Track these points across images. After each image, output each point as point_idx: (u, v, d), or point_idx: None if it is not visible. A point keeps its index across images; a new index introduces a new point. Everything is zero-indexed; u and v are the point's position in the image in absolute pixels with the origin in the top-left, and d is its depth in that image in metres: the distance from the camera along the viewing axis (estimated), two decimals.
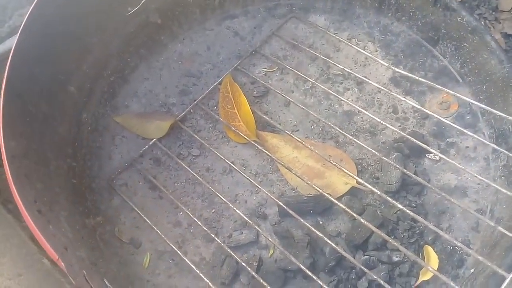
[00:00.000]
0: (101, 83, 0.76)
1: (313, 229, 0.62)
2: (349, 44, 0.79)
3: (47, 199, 0.56)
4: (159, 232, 0.65)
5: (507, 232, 0.58)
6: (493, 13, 0.99)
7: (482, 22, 0.97)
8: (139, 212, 0.67)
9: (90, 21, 0.71)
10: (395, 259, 0.63)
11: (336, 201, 0.64)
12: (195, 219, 0.66)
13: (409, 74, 0.74)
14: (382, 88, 0.73)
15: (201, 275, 0.61)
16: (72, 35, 0.69)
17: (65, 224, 0.57)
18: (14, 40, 0.75)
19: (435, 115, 0.69)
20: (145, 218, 0.67)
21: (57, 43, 0.66)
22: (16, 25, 0.77)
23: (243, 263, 0.62)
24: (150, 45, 0.81)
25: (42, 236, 0.46)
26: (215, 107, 0.77)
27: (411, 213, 0.61)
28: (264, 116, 0.74)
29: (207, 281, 0.60)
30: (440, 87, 0.71)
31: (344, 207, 0.64)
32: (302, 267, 0.60)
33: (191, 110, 0.76)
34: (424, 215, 0.67)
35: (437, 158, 0.71)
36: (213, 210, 0.69)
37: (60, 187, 0.63)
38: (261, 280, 0.59)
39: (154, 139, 0.74)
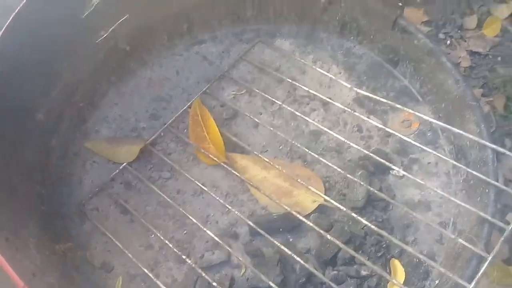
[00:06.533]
0: (70, 109, 0.77)
1: (282, 247, 0.63)
2: (314, 67, 0.82)
3: (14, 226, 0.56)
4: (130, 255, 0.65)
5: (467, 244, 0.60)
6: (459, 31, 1.04)
7: (448, 41, 1.02)
8: (110, 236, 0.68)
9: (59, 48, 0.72)
10: (363, 273, 0.65)
11: (304, 219, 0.66)
12: (167, 242, 0.66)
13: (371, 95, 0.77)
14: (347, 108, 0.76)
15: None
16: (41, 61, 0.70)
17: (33, 251, 0.57)
18: None
19: (397, 134, 0.73)
20: (116, 242, 0.67)
21: (25, 69, 0.67)
22: None
23: (214, 283, 0.62)
24: (120, 71, 0.82)
25: (8, 264, 0.46)
26: (185, 130, 0.78)
27: (376, 229, 0.63)
28: (233, 138, 0.75)
29: None
30: (401, 106, 0.75)
31: (312, 224, 0.65)
32: (272, 285, 0.61)
33: (162, 134, 0.77)
34: (390, 229, 0.69)
35: (401, 174, 0.73)
36: (185, 232, 0.70)
37: (28, 214, 0.63)
38: None
39: (125, 163, 0.74)
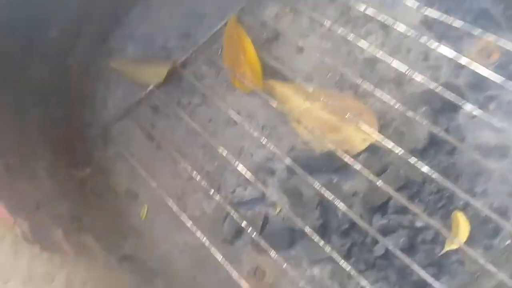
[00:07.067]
0: (89, 25, 0.69)
1: (323, 188, 0.55)
2: None
3: (21, 151, 0.52)
4: (156, 184, 0.60)
5: None
6: None
7: None
8: (135, 163, 0.63)
9: None
10: (419, 224, 0.56)
11: (351, 159, 0.57)
12: (196, 172, 0.60)
13: (443, 17, 0.64)
14: (411, 32, 0.64)
15: (198, 231, 0.56)
16: None
17: (43, 179, 0.54)
18: None
19: (473, 65, 0.60)
20: (142, 169, 0.62)
21: None
22: None
23: (245, 221, 0.55)
24: None
25: None
26: (219, 52, 0.70)
27: (437, 175, 0.53)
28: (273, 63, 0.66)
29: (205, 238, 0.55)
30: (480, 32, 0.61)
31: (360, 166, 0.56)
32: (306, 230, 0.53)
33: (193, 55, 0.70)
34: (455, 177, 0.59)
35: (474, 113, 0.62)
36: (216, 163, 0.64)
37: (40, 137, 0.59)
38: (263, 241, 0.53)
39: (152, 86, 0.68)
